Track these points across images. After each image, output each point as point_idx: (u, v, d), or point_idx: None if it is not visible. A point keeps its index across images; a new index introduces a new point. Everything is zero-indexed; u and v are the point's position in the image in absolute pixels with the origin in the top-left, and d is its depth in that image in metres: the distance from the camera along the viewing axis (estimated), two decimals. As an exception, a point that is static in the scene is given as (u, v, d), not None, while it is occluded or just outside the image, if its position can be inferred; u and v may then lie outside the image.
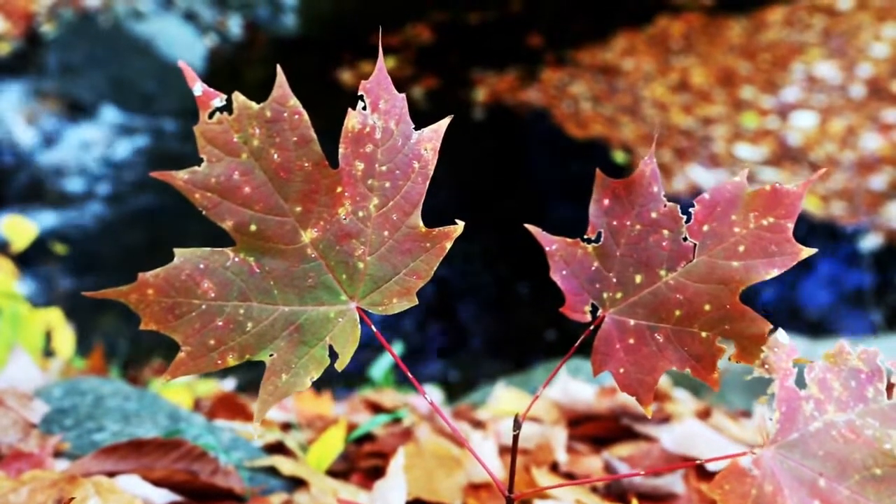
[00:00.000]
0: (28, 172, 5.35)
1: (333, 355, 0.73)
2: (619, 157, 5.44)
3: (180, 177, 0.68)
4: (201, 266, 0.71)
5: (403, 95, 0.73)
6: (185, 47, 6.36)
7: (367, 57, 6.45)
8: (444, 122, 0.74)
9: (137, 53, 6.26)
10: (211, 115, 0.68)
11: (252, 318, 0.72)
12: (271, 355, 0.72)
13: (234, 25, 7.01)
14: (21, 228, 2.29)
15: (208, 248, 0.71)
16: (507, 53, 6.63)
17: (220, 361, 0.71)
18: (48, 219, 4.92)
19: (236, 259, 0.72)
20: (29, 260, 4.02)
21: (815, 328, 4.17)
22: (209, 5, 7.01)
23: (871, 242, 4.76)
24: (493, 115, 6.03)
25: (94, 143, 5.57)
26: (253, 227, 0.71)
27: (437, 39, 6.85)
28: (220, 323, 0.71)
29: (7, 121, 5.66)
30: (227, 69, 6.47)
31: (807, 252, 0.73)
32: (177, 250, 0.70)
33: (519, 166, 5.69)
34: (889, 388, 0.73)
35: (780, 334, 0.73)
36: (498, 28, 7.01)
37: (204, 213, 0.69)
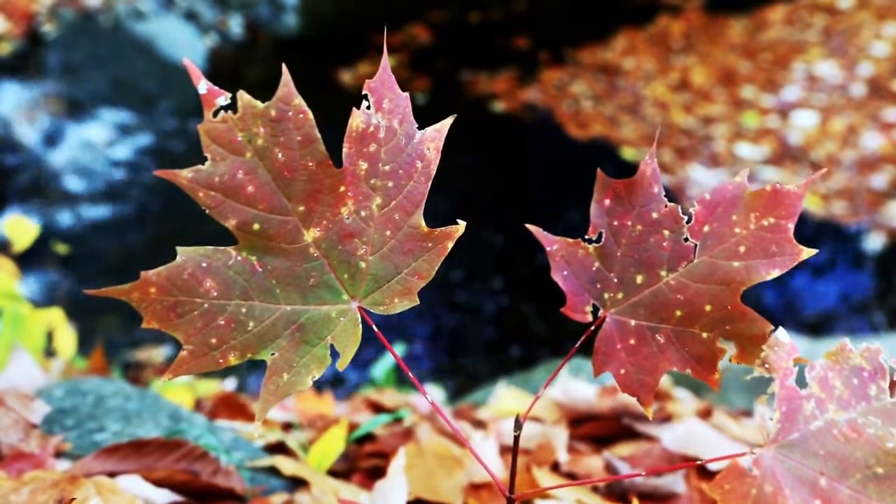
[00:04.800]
0: (29, 172, 5.35)
1: (335, 355, 0.73)
2: (629, 153, 5.42)
3: (184, 175, 0.69)
4: (203, 265, 0.71)
5: (407, 95, 0.73)
6: (186, 47, 6.36)
7: (368, 57, 6.44)
8: (447, 122, 0.74)
9: (138, 53, 6.26)
10: (215, 114, 0.68)
11: (254, 317, 0.72)
12: (273, 354, 0.72)
13: (235, 25, 7.00)
14: (22, 228, 2.28)
15: (211, 247, 0.71)
16: (506, 53, 6.62)
17: (221, 360, 0.71)
18: (49, 218, 4.92)
19: (239, 258, 0.72)
20: (30, 260, 4.02)
21: (816, 328, 4.17)
22: (210, 5, 7.01)
23: (872, 242, 4.75)
24: (493, 113, 6.02)
25: (94, 143, 5.57)
26: (256, 227, 0.71)
27: (437, 40, 6.85)
28: (222, 322, 0.71)
29: (8, 121, 5.66)
30: (227, 69, 6.46)
31: (808, 252, 0.73)
32: (179, 249, 0.70)
33: (519, 166, 5.68)
34: (892, 385, 0.73)
35: (781, 333, 0.73)
36: (498, 28, 7.00)
37: (207, 211, 0.69)
